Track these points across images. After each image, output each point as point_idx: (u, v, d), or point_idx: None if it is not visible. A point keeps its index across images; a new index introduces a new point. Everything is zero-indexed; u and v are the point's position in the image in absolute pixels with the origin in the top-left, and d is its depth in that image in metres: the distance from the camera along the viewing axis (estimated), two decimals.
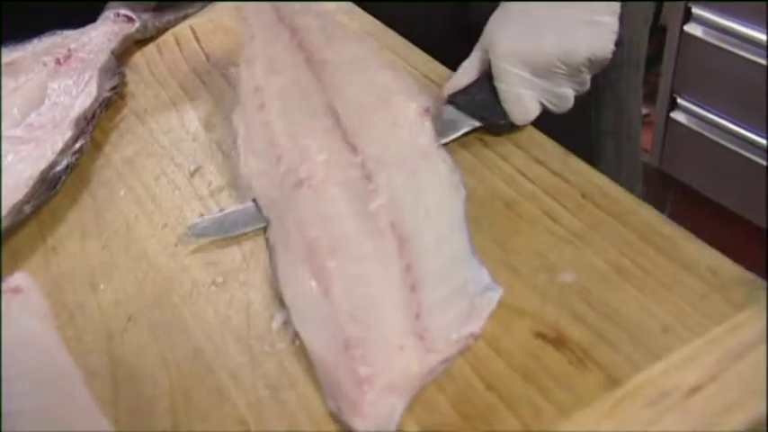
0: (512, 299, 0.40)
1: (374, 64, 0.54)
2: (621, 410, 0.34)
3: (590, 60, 0.48)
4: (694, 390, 0.35)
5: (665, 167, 1.49)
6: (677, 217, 0.46)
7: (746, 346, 0.36)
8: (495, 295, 0.40)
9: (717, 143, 1.38)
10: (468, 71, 0.52)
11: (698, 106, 1.40)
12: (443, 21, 0.71)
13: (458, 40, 0.72)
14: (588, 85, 0.50)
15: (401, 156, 0.46)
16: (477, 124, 0.50)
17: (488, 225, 0.45)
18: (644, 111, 1.72)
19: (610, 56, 0.48)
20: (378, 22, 0.67)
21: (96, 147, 0.57)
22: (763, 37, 1.23)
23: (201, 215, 0.48)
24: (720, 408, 0.34)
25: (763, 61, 1.24)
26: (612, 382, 0.36)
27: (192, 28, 0.71)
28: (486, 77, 0.51)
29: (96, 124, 0.58)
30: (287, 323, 0.41)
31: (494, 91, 0.50)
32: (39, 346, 0.39)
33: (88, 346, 0.41)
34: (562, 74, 0.48)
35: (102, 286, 0.45)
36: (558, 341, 0.38)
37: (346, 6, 0.70)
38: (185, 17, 0.72)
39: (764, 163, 1.30)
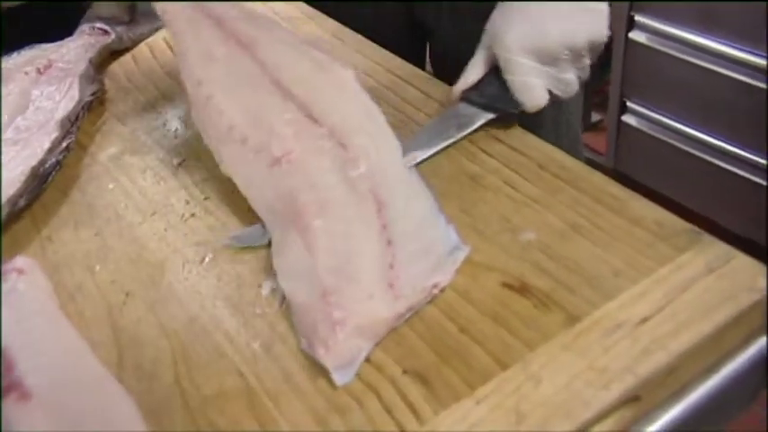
0: (480, 257, 0.44)
1: (297, 41, 0.57)
2: (580, 342, 0.38)
3: (590, 44, 0.52)
4: (644, 320, 0.39)
5: (620, 168, 1.56)
6: None
7: (689, 281, 0.41)
8: (462, 253, 0.44)
9: (666, 143, 1.45)
10: (475, 68, 0.55)
11: (646, 109, 1.48)
12: (393, 22, 0.75)
13: (409, 40, 0.77)
14: (588, 71, 0.54)
15: (361, 122, 0.51)
16: (491, 116, 0.54)
17: (456, 197, 0.49)
18: (597, 117, 1.80)
19: (606, 39, 0.52)
20: (341, 25, 0.71)
21: (82, 147, 0.60)
22: (701, 41, 1.31)
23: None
24: (667, 332, 0.38)
25: (702, 63, 1.32)
26: (572, 319, 0.40)
27: (165, 39, 0.74)
28: (494, 72, 0.54)
29: (80, 127, 0.61)
30: (275, 290, 0.44)
31: (502, 84, 0.53)
32: (46, 318, 0.41)
33: (90, 320, 0.44)
34: (566, 60, 0.52)
35: (97, 268, 0.48)
36: (523, 289, 0.42)
37: (311, 12, 0.74)
38: (158, 29, 0.76)
39: (711, 159, 1.38)
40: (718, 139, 1.37)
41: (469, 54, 0.59)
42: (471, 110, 0.54)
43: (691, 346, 0.38)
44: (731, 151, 1.36)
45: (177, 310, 0.45)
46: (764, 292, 0.39)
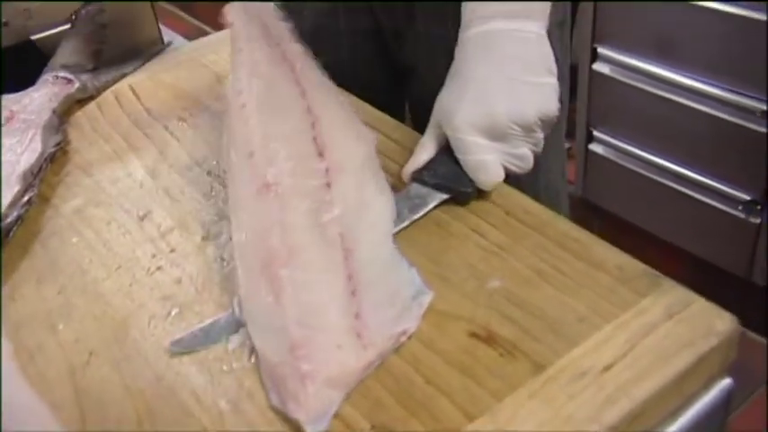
0: (446, 305, 0.45)
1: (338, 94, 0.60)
2: (546, 390, 0.39)
3: (540, 120, 0.51)
4: (607, 367, 0.39)
5: (589, 197, 1.59)
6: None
7: (650, 326, 0.41)
8: (427, 297, 0.45)
9: (632, 171, 1.48)
10: (426, 148, 0.54)
11: (612, 137, 1.51)
12: (371, 65, 0.76)
13: (387, 84, 0.78)
14: (542, 144, 0.53)
15: (358, 165, 0.52)
16: (445, 196, 0.52)
17: (423, 245, 0.50)
18: (566, 145, 1.83)
19: (557, 113, 0.51)
20: None
21: (44, 200, 0.59)
22: (661, 72, 1.34)
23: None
24: (630, 379, 0.39)
25: (662, 93, 1.35)
26: (538, 367, 0.40)
27: (130, 86, 0.74)
28: (445, 151, 0.53)
29: (42, 179, 0.60)
30: (243, 344, 0.44)
31: (455, 162, 0.52)
32: (6, 385, 0.40)
33: (52, 381, 0.43)
34: (517, 136, 0.51)
35: (60, 327, 0.47)
36: (489, 338, 0.42)
37: None
38: (123, 76, 0.76)
39: (675, 186, 1.41)
40: (682, 167, 1.40)
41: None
42: (423, 190, 0.52)
43: (653, 393, 0.38)
44: (694, 178, 1.40)
45: (142, 368, 0.44)
46: (722, 337, 0.40)
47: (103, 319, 0.48)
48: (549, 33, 0.73)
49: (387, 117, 0.64)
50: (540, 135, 0.52)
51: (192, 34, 1.04)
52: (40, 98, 0.68)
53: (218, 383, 0.42)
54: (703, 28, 1.28)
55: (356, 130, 0.55)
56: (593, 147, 1.56)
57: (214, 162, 0.60)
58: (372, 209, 0.50)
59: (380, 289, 0.45)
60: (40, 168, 0.60)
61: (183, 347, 0.44)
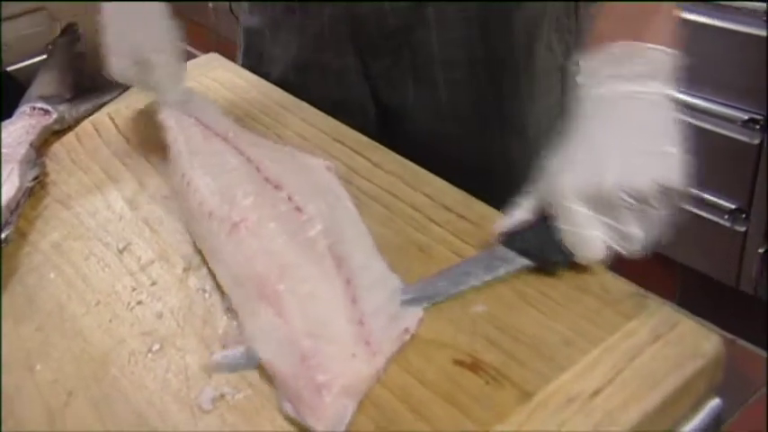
0: (430, 333, 0.44)
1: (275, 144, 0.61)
2: (535, 419, 0.38)
3: (659, 192, 0.45)
4: (595, 393, 0.39)
5: None
6: None
7: (636, 349, 0.41)
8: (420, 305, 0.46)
9: None
10: (521, 210, 0.49)
11: None
12: (358, 104, 0.75)
13: (375, 125, 0.77)
14: (657, 225, 0.46)
15: (320, 191, 0.52)
16: (530, 264, 0.47)
17: (405, 270, 0.49)
18: None
19: (680, 186, 0.45)
20: (285, 93, 0.72)
21: (22, 235, 0.58)
22: None
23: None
24: (619, 404, 0.38)
25: None
26: (525, 395, 0.40)
27: (109, 115, 0.73)
28: (543, 217, 0.48)
29: (20, 214, 0.59)
30: (215, 399, 0.43)
31: (551, 230, 0.47)
32: None
33: (29, 425, 0.42)
34: (628, 209, 0.45)
35: (38, 367, 0.46)
36: (475, 365, 0.42)
37: (254, 80, 0.75)
38: (102, 105, 0.75)
39: None
40: None
41: (433, 144, 0.58)
42: (509, 254, 0.48)
43: (642, 418, 0.38)
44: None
45: (123, 407, 0.43)
46: (709, 358, 0.40)
47: (82, 358, 0.47)
48: (549, 76, 0.73)
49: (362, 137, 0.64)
50: (658, 213, 0.45)
51: None
52: (16, 131, 0.67)
53: (200, 422, 0.41)
54: (685, 41, 1.29)
55: (303, 163, 0.56)
56: None
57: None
58: (353, 223, 0.50)
59: (378, 293, 0.45)
60: (18, 204, 0.59)
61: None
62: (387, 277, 0.47)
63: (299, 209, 0.49)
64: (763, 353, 1.42)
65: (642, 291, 0.45)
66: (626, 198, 0.44)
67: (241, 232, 0.48)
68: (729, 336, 1.37)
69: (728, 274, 1.42)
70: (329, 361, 0.41)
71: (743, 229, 1.36)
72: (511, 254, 0.48)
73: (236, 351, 0.45)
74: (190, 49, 0.79)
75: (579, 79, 0.50)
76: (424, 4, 0.68)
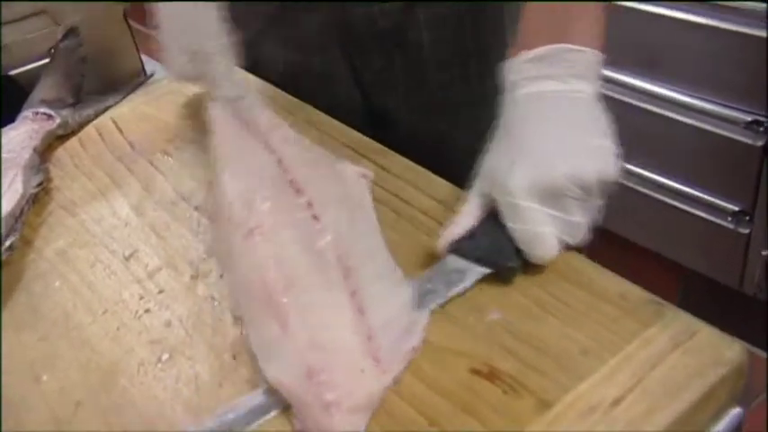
0: (446, 340, 0.43)
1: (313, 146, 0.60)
2: (554, 429, 0.37)
3: (599, 183, 0.46)
4: (617, 401, 0.38)
5: None
6: (593, 255, 0.50)
7: (656, 357, 0.40)
8: (427, 311, 0.45)
9: (621, 184, 1.47)
10: (466, 216, 0.49)
11: None
12: (350, 112, 0.73)
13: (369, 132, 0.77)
14: (597, 213, 0.48)
15: (340, 199, 0.51)
16: (487, 271, 0.46)
17: (416, 276, 0.48)
18: None
19: (617, 177, 0.47)
20: (291, 98, 0.71)
21: (26, 243, 0.57)
22: (648, 87, 1.35)
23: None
24: (641, 413, 0.37)
25: (649, 107, 1.36)
26: (544, 404, 0.39)
27: (113, 119, 0.73)
28: (489, 220, 0.48)
29: (24, 221, 0.58)
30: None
31: (500, 234, 0.47)
32: None
33: None
34: (575, 201, 0.46)
35: (44, 377, 0.45)
36: (492, 374, 0.41)
37: (259, 85, 0.74)
38: (105, 110, 0.75)
39: (663, 198, 1.41)
40: (670, 179, 1.41)
41: (427, 146, 0.58)
42: (462, 263, 0.47)
43: (665, 428, 0.37)
44: (682, 190, 1.40)
45: (133, 417, 0.42)
46: (731, 366, 0.39)
47: (89, 367, 0.46)
48: None
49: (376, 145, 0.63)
50: (598, 202, 0.47)
51: None
52: (19, 136, 0.66)
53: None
54: (687, 42, 1.29)
55: (335, 168, 0.55)
56: None
57: (201, 196, 0.59)
58: (370, 234, 0.49)
59: (389, 305, 0.44)
60: (22, 211, 0.58)
61: None
62: (399, 289, 0.46)
63: (315, 217, 0.48)
64: (765, 355, 1.41)
65: (659, 299, 0.45)
66: (575, 190, 0.46)
67: (255, 238, 0.48)
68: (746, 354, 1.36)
69: (732, 276, 1.41)
70: (337, 377, 0.40)
71: (746, 231, 1.36)
72: (463, 263, 0.47)
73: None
74: None
75: (509, 77, 0.51)
76: (413, 6, 0.67)
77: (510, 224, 0.47)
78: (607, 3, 0.52)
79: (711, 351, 0.40)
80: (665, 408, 0.38)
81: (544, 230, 0.46)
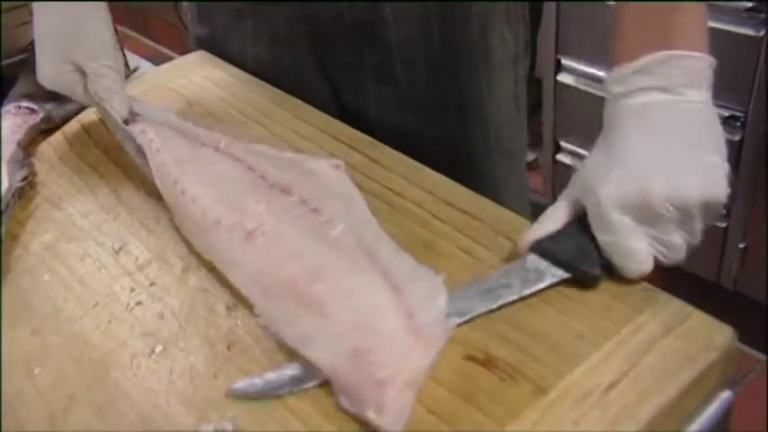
0: None
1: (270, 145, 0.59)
2: (551, 414, 0.38)
3: (704, 205, 0.43)
4: (610, 387, 0.39)
5: None
6: None
7: (649, 342, 0.41)
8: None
9: None
10: (554, 217, 0.48)
11: (579, 147, 1.52)
12: (321, 107, 0.73)
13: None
14: (700, 236, 0.45)
15: (330, 192, 0.51)
16: (566, 275, 0.45)
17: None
18: (531, 156, 1.84)
19: (724, 200, 0.44)
20: (279, 91, 0.71)
21: (12, 237, 0.57)
22: None
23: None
24: (635, 398, 0.38)
25: None
26: (540, 390, 0.39)
27: (98, 114, 0.72)
28: (576, 224, 0.47)
29: (10, 216, 0.58)
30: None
31: (585, 240, 0.46)
32: None
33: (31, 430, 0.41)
34: (672, 220, 0.43)
35: (37, 371, 0.45)
36: (488, 362, 0.42)
37: (247, 78, 0.74)
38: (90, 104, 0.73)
39: None
40: None
41: (396, 142, 0.58)
42: (542, 264, 0.46)
43: (658, 412, 0.38)
44: None
45: (128, 410, 0.42)
46: (721, 350, 0.40)
47: (82, 360, 0.45)
48: (502, 67, 0.74)
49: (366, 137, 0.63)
50: (700, 225, 0.44)
51: (154, 58, 1.02)
52: (2, 130, 0.65)
53: (206, 423, 0.40)
54: None
55: (307, 167, 0.55)
56: (561, 157, 1.57)
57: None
58: (370, 221, 0.49)
59: (420, 284, 0.44)
60: (8, 205, 0.57)
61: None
62: (422, 270, 0.46)
63: (316, 210, 0.49)
64: (744, 347, 1.44)
65: (650, 285, 0.45)
66: (671, 210, 0.43)
67: (258, 239, 0.48)
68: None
69: (709, 269, 1.43)
70: (385, 356, 0.40)
71: (723, 225, 1.38)
72: (544, 264, 0.46)
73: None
74: (164, 50, 0.79)
75: (612, 91, 0.48)
76: (380, 3, 0.67)
77: (599, 236, 0.45)
78: (708, 2, 0.48)
79: (702, 336, 0.41)
80: (658, 392, 0.38)
81: (635, 245, 0.44)
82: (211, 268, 0.50)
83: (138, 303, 0.49)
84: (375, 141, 0.63)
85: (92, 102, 0.64)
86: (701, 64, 0.47)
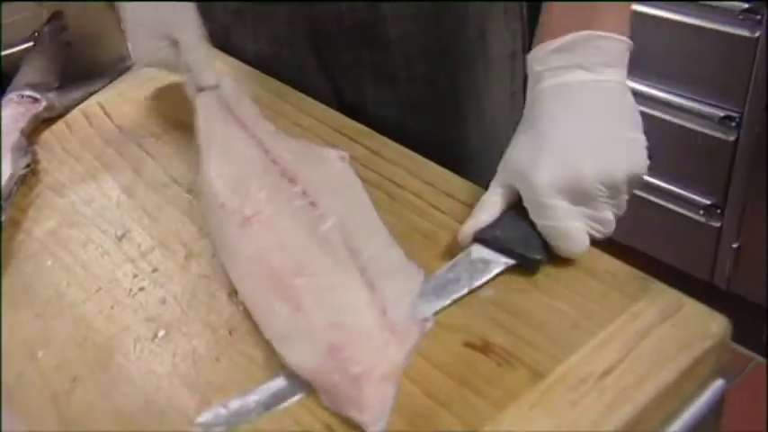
0: (440, 317, 0.44)
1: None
2: (547, 399, 0.39)
3: (629, 178, 0.46)
4: (606, 372, 0.40)
5: None
6: None
7: (645, 330, 0.42)
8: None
9: None
10: (490, 206, 0.48)
11: None
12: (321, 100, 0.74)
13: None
14: (625, 206, 0.47)
15: (334, 185, 0.52)
16: (512, 262, 0.46)
17: (411, 256, 0.49)
18: None
19: (646, 172, 0.46)
20: (283, 85, 0.71)
21: (15, 224, 0.57)
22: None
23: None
24: (630, 383, 0.39)
25: None
26: (537, 375, 0.40)
27: (99, 103, 0.72)
28: (514, 211, 0.48)
29: (12, 202, 0.58)
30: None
31: (525, 225, 0.47)
32: None
33: (35, 412, 0.42)
34: (602, 198, 0.45)
35: (40, 354, 0.46)
36: (486, 348, 0.42)
37: (248, 71, 0.74)
38: (92, 93, 0.74)
39: (637, 192, 1.44)
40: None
41: (397, 140, 0.59)
42: (486, 253, 0.47)
43: (654, 396, 0.38)
44: (655, 184, 1.43)
45: (131, 392, 0.42)
46: (716, 339, 0.41)
47: (85, 344, 0.46)
48: (500, 64, 0.75)
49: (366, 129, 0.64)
50: (626, 197, 0.47)
51: None
52: (5, 119, 0.66)
53: (209, 405, 0.41)
54: (660, 39, 1.32)
55: (319, 155, 0.56)
56: None
57: (192, 179, 0.59)
58: (367, 215, 0.50)
59: (397, 281, 0.45)
60: (10, 192, 0.58)
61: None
62: (405, 265, 0.47)
63: (313, 204, 0.49)
64: (736, 347, 1.45)
65: (644, 275, 0.46)
66: (602, 189, 0.45)
67: (254, 226, 0.48)
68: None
69: (703, 268, 1.45)
70: (360, 351, 0.40)
71: (717, 224, 1.39)
72: (487, 252, 0.47)
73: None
74: None
75: (533, 69, 0.50)
76: (379, 3, 0.68)
77: (537, 220, 0.46)
78: (705, 3, 0.50)
79: (697, 324, 0.42)
80: (654, 378, 0.39)
81: (572, 225, 0.45)
82: (213, 255, 0.51)
83: (141, 289, 0.50)
84: (376, 134, 0.63)
85: (185, 71, 0.65)
86: (620, 46, 0.48)
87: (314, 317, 0.42)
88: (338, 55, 0.72)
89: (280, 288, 0.44)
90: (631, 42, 0.49)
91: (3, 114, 0.67)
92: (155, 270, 0.51)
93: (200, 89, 0.63)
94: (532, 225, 0.47)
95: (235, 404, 0.40)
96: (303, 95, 0.69)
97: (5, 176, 0.58)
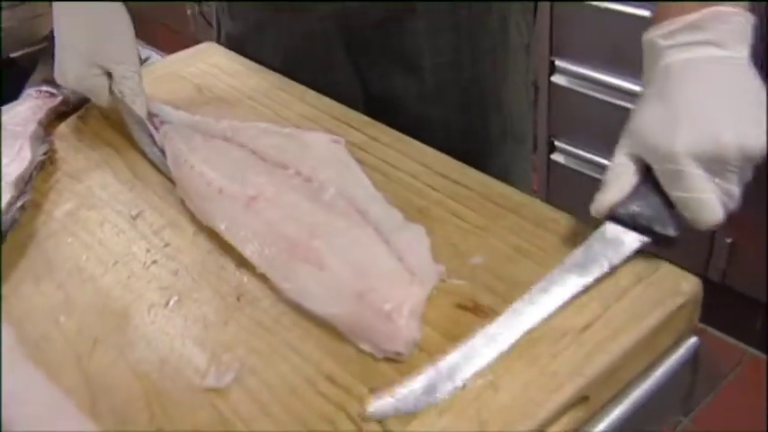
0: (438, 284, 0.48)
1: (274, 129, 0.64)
2: (531, 351, 0.42)
3: (761, 153, 0.45)
4: (586, 327, 0.43)
5: (552, 205, 1.64)
6: None
7: (622, 291, 0.45)
8: None
9: (593, 177, 1.53)
10: (622, 180, 0.48)
11: (573, 147, 1.57)
12: (349, 96, 0.76)
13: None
14: (750, 178, 0.46)
15: (326, 162, 0.56)
16: (647, 240, 0.46)
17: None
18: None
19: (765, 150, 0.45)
20: (282, 77, 0.75)
21: (36, 206, 0.61)
22: (614, 81, 1.41)
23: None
24: (607, 337, 0.42)
25: (618, 102, 1.41)
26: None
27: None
28: (645, 186, 0.47)
29: (33, 186, 0.62)
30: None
31: (657, 199, 0.46)
32: (13, 368, 0.42)
33: (59, 369, 0.45)
34: (735, 169, 0.45)
35: (62, 319, 0.49)
36: (476, 308, 0.46)
37: (253, 66, 0.78)
38: None
39: None
40: None
41: (420, 123, 0.61)
42: (620, 231, 0.47)
43: (629, 348, 0.42)
44: None
45: (147, 352, 0.46)
46: (688, 296, 0.44)
47: (104, 311, 0.49)
48: (517, 54, 0.78)
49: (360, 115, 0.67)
50: (749, 172, 0.46)
51: None
52: (24, 111, 0.70)
53: (221, 362, 0.44)
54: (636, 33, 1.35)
55: (304, 141, 0.59)
56: (555, 157, 1.61)
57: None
58: (363, 186, 0.54)
59: (406, 236, 0.49)
60: (31, 176, 0.61)
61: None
62: (407, 223, 0.51)
63: (309, 179, 0.53)
64: (731, 341, 1.47)
65: None
66: (740, 159, 0.44)
67: (260, 204, 0.52)
68: (699, 324, 1.42)
69: (697, 262, 1.47)
70: (387, 291, 0.45)
71: None
72: (621, 231, 0.47)
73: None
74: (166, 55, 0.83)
75: (658, 44, 0.49)
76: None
77: (673, 191, 0.46)
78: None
79: (671, 283, 0.45)
80: (629, 331, 0.42)
81: (709, 197, 0.45)
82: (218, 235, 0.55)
83: (154, 262, 0.53)
84: (374, 122, 0.67)
85: (113, 103, 0.67)
86: (746, 21, 0.48)
87: (338, 271, 0.46)
88: (367, 49, 0.75)
89: (299, 252, 0.48)
90: (755, 17, 0.48)
91: (22, 107, 0.71)
92: (167, 245, 0.54)
93: (132, 115, 0.65)
94: (663, 198, 0.46)
95: (401, 392, 0.41)
96: (305, 88, 0.73)
97: (26, 162, 0.62)
